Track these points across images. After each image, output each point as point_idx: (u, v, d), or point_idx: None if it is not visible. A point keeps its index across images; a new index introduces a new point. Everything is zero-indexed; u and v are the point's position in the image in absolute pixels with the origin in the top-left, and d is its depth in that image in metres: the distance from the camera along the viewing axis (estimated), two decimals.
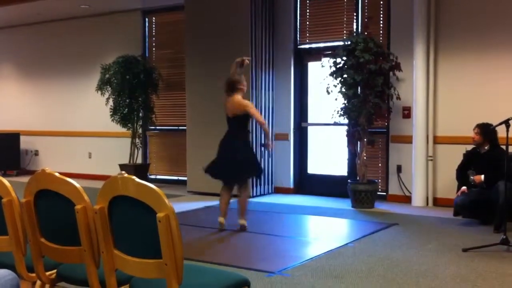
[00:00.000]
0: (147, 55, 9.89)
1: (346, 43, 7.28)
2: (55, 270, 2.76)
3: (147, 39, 9.98)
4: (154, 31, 9.98)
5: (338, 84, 7.26)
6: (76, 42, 10.61)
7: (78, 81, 10.60)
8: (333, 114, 7.38)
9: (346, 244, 5.27)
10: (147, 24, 9.98)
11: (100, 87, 9.31)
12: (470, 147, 6.40)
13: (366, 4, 7.92)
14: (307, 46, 8.49)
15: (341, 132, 7.64)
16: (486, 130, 5.91)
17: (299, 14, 8.48)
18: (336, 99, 7.33)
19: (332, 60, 7.33)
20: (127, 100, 9.20)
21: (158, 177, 9.80)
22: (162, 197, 2.16)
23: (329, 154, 8.58)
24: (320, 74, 7.67)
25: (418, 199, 7.33)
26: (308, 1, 8.39)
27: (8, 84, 11.83)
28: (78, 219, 2.43)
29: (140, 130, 9.61)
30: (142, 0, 9.48)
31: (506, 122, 4.90)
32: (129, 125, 9.32)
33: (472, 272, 4.29)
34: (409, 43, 7.32)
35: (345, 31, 8.00)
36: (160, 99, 9.60)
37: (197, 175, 7.63)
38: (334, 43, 7.92)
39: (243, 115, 5.81)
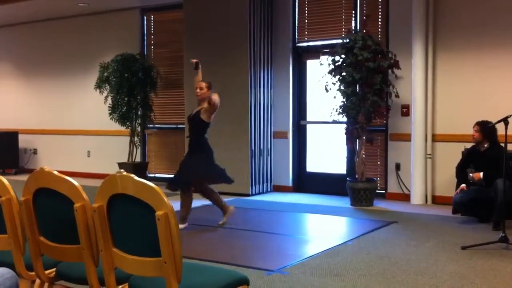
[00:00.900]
0: (145, 53, 9.87)
1: (344, 41, 7.27)
2: (54, 269, 2.76)
3: (145, 37, 9.97)
4: (152, 29, 9.96)
5: (336, 82, 7.26)
6: (74, 41, 10.60)
7: (77, 79, 10.58)
8: (332, 112, 7.38)
9: (345, 242, 5.27)
10: (145, 22, 9.96)
11: (99, 86, 9.30)
12: (469, 145, 6.41)
13: (364, 2, 7.91)
14: (305, 44, 8.48)
15: (340, 130, 7.64)
16: (486, 128, 5.90)
17: (298, 12, 8.47)
18: (334, 97, 7.32)
19: (330, 58, 7.33)
20: (126, 99, 9.19)
21: (157, 175, 9.79)
22: (161, 195, 2.16)
23: (328, 152, 8.58)
24: (319, 72, 7.67)
25: (417, 197, 7.34)
26: None
27: (6, 82, 11.81)
28: (77, 217, 2.43)
29: (138, 129, 9.60)
30: None
31: (505, 120, 4.90)
32: (127, 123, 9.31)
33: (471, 270, 4.30)
34: (408, 41, 7.32)
35: (343, 29, 7.98)
36: (159, 97, 9.59)
37: None
38: (332, 41, 7.90)
39: None
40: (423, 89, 7.26)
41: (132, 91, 9.16)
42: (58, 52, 10.86)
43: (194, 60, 6.18)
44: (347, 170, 8.09)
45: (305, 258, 4.69)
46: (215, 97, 5.71)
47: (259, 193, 8.28)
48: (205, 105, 5.81)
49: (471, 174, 5.98)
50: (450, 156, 6.97)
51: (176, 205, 5.47)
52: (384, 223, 6.08)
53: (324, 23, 8.26)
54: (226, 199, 6.42)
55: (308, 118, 8.57)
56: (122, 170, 2.32)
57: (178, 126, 9.43)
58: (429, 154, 7.33)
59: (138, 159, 9.61)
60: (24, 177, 3.28)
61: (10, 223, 2.71)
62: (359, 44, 6.99)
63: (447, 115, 7.28)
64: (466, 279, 4.06)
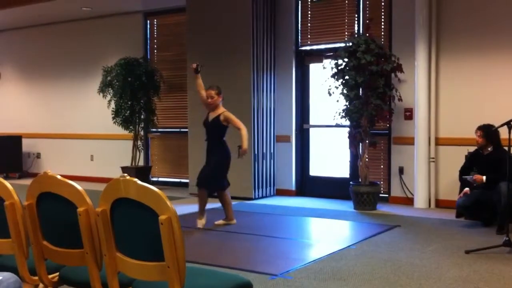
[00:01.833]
0: (148, 57, 9.89)
1: (347, 44, 7.27)
2: (57, 273, 2.76)
3: (148, 41, 9.99)
4: (155, 33, 9.98)
5: (339, 85, 7.25)
6: (78, 45, 10.62)
7: (80, 83, 10.60)
8: (334, 116, 7.38)
9: (349, 246, 5.26)
10: (148, 26, 9.98)
11: (102, 89, 9.31)
12: (472, 149, 6.39)
13: (367, 5, 7.92)
14: (308, 47, 8.48)
15: (343, 134, 7.63)
16: (489, 132, 5.89)
17: (301, 15, 8.47)
18: (337, 101, 7.32)
19: (333, 62, 7.33)
20: (129, 102, 9.20)
21: (160, 179, 9.80)
22: (164, 200, 2.15)
23: (331, 156, 8.57)
24: (322, 75, 7.67)
25: (420, 200, 7.32)
26: (309, 3, 8.39)
27: (10, 86, 11.84)
28: (80, 221, 2.43)
29: (142, 132, 9.61)
30: (144, 2, 9.48)
31: (508, 124, 4.89)
32: (131, 127, 9.32)
33: (474, 274, 4.28)
34: (411, 44, 7.31)
35: (346, 33, 7.99)
36: (162, 101, 9.60)
37: None
38: (335, 45, 7.90)
39: None
40: (426, 92, 7.25)
41: (135, 95, 9.17)
42: (61, 56, 10.89)
43: (194, 65, 6.19)
44: (350, 174, 8.08)
45: (309, 262, 4.69)
46: (240, 125, 6.04)
47: (262, 197, 8.27)
48: (220, 110, 6.08)
49: (468, 177, 5.94)
50: (454, 159, 6.95)
51: (179, 208, 5.47)
52: (387, 227, 6.07)
53: (327, 26, 8.26)
54: None
55: (311, 122, 8.57)
56: (125, 174, 2.32)
57: (181, 130, 9.44)
58: (433, 158, 7.31)
59: (141, 163, 9.62)
60: (27, 181, 3.28)
61: (14, 228, 2.71)
62: (362, 48, 6.99)
63: (450, 118, 7.27)
64: (470, 283, 4.04)
